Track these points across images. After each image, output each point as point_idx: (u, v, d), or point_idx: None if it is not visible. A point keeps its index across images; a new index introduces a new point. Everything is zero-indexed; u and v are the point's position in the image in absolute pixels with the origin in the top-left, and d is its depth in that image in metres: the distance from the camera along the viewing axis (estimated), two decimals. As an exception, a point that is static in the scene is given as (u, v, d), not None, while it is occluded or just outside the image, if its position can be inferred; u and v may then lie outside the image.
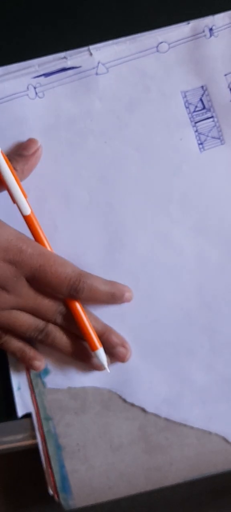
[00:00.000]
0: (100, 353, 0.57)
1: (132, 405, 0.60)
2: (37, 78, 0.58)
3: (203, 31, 0.59)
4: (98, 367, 0.58)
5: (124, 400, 0.60)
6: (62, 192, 0.59)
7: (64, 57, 0.58)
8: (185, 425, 0.60)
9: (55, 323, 0.57)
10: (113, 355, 0.59)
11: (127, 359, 0.59)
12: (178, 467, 0.60)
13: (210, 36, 0.59)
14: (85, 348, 0.58)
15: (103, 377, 0.60)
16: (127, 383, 0.60)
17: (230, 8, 0.60)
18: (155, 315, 0.60)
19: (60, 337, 0.57)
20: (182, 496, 0.97)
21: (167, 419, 0.61)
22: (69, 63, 0.58)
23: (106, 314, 0.60)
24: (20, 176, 0.55)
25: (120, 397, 0.60)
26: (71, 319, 0.57)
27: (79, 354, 0.58)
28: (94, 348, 0.57)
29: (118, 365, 0.60)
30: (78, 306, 0.56)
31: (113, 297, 0.57)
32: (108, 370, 0.58)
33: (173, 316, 0.60)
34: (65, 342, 0.58)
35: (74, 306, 0.56)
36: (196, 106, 0.60)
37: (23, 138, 0.58)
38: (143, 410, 0.60)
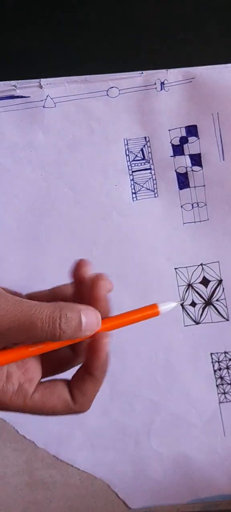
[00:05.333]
0: None
1: (23, 437, 0.59)
2: (-16, 102, 0.60)
3: (155, 84, 0.58)
4: None
5: (17, 431, 0.59)
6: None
7: (14, 86, 0.59)
8: (71, 465, 0.59)
9: None
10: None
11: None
12: (57, 505, 0.60)
13: (161, 89, 0.58)
14: None
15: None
16: (21, 415, 0.59)
17: (184, 66, 0.58)
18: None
19: None
20: None
21: (55, 457, 0.60)
22: (18, 92, 0.59)
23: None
24: None
25: (13, 428, 0.59)
26: None
27: None
28: None
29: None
30: None
31: None
32: None
33: None
34: None
35: None
36: (136, 156, 0.59)
37: None
38: (33, 444, 0.59)
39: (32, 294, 0.49)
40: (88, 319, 0.42)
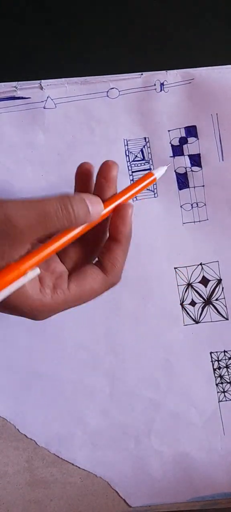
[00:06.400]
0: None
1: (24, 436, 0.60)
2: (-15, 103, 0.60)
3: (154, 85, 0.59)
4: None
5: (18, 430, 0.60)
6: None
7: (15, 87, 0.59)
8: (72, 464, 0.60)
9: None
10: None
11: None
12: (57, 504, 0.60)
13: (160, 90, 0.59)
14: None
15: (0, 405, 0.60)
16: (22, 414, 0.60)
17: (184, 67, 0.59)
18: (60, 353, 0.59)
19: None
20: None
21: (55, 456, 0.60)
22: (19, 93, 0.59)
23: (15, 346, 0.60)
24: None
25: (14, 427, 0.60)
26: None
27: None
28: None
29: (15, 394, 0.59)
30: None
31: None
32: None
33: (78, 356, 0.60)
34: None
35: None
36: (136, 156, 0.60)
37: None
38: (34, 442, 0.60)
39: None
40: (92, 203, 0.46)
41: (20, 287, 0.43)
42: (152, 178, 0.52)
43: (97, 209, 0.47)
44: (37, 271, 0.44)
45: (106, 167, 0.50)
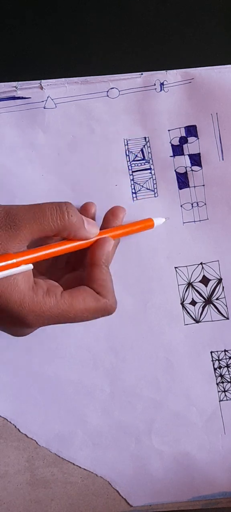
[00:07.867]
0: None
1: (25, 436, 0.60)
2: (-15, 102, 0.60)
3: (154, 84, 0.59)
4: None
5: (18, 430, 0.60)
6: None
7: (15, 87, 0.59)
8: (72, 464, 0.60)
9: None
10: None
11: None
12: (58, 503, 0.60)
13: (160, 90, 0.59)
14: None
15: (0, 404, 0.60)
16: (22, 413, 0.60)
17: (184, 67, 0.59)
18: (61, 352, 0.60)
19: None
20: None
21: (56, 455, 0.60)
22: (19, 93, 0.59)
23: (15, 346, 0.60)
24: None
25: (15, 426, 0.60)
26: None
27: None
28: None
29: (16, 394, 0.59)
30: None
31: None
32: None
33: (79, 356, 0.60)
34: None
35: None
36: (136, 156, 0.60)
37: None
38: (35, 442, 0.60)
39: None
40: (89, 221, 0.51)
41: (13, 281, 0.46)
42: (150, 223, 0.58)
43: (92, 229, 0.52)
44: (30, 266, 0.47)
45: (115, 207, 0.57)
